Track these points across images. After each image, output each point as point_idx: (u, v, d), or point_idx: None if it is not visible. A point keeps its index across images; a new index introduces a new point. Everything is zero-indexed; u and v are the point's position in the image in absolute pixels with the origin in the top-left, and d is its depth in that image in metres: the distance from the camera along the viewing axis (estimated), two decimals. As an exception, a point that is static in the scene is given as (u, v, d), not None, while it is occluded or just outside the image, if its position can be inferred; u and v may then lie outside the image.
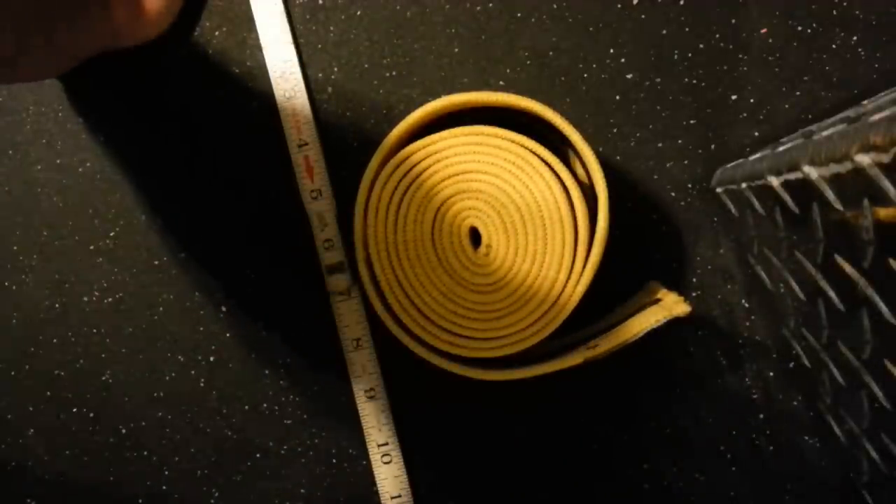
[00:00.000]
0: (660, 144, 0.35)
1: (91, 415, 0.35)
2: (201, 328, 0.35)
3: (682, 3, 0.35)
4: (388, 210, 0.32)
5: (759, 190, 0.30)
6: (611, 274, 0.35)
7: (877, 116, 0.21)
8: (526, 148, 0.31)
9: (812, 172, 0.24)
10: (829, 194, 0.23)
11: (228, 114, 0.35)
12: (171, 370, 0.35)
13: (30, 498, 0.35)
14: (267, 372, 0.35)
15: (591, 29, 0.35)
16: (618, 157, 0.35)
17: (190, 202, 0.35)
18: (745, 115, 0.35)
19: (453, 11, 0.35)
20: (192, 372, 0.35)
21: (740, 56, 0.35)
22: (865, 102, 0.26)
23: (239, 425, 0.35)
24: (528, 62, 0.35)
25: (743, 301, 0.35)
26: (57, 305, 0.35)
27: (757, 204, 0.31)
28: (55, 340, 0.35)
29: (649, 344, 0.35)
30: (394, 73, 0.35)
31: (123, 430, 0.35)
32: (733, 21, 0.35)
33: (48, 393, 0.35)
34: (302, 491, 0.35)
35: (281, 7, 0.35)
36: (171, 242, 0.35)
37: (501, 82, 0.35)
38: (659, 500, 0.35)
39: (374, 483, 0.35)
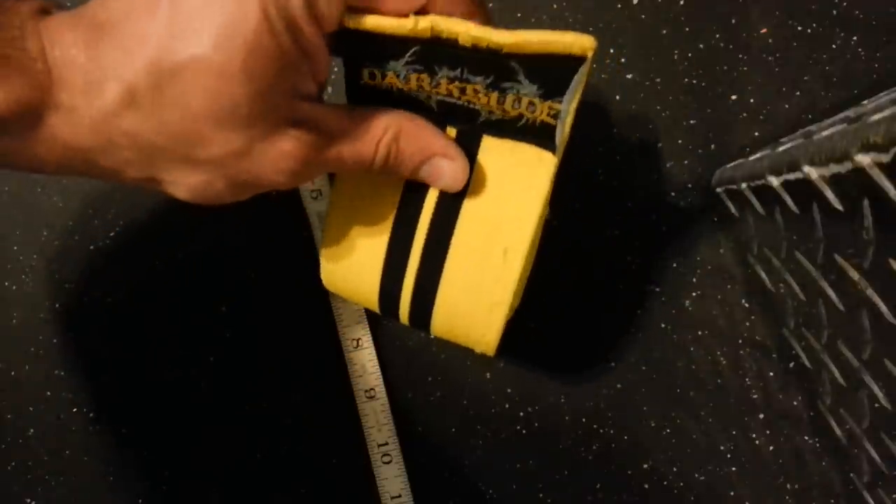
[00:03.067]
0: (660, 144, 0.35)
1: (91, 415, 0.35)
2: (201, 328, 0.35)
3: (682, 3, 0.35)
4: None
5: (759, 190, 0.30)
6: (611, 275, 0.35)
7: (877, 116, 0.21)
8: None
9: (812, 172, 0.24)
10: (829, 194, 0.23)
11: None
12: (171, 370, 0.35)
13: (30, 498, 0.35)
14: (267, 372, 0.35)
15: (591, 29, 0.35)
16: (618, 157, 0.35)
17: (189, 203, 0.35)
18: (745, 115, 0.35)
19: (453, 11, 0.35)
20: (192, 372, 0.35)
21: (740, 56, 0.35)
22: (865, 102, 0.26)
23: (239, 425, 0.35)
24: (528, 62, 0.35)
25: (743, 301, 0.35)
26: (57, 305, 0.35)
27: (757, 204, 0.31)
28: (55, 340, 0.35)
29: (649, 344, 0.35)
30: (394, 73, 0.35)
31: (123, 430, 0.35)
32: (733, 21, 0.35)
33: (48, 393, 0.35)
34: (302, 491, 0.35)
35: (281, 7, 0.35)
36: (171, 243, 0.35)
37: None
38: (659, 500, 0.35)
39: (374, 483, 0.35)
